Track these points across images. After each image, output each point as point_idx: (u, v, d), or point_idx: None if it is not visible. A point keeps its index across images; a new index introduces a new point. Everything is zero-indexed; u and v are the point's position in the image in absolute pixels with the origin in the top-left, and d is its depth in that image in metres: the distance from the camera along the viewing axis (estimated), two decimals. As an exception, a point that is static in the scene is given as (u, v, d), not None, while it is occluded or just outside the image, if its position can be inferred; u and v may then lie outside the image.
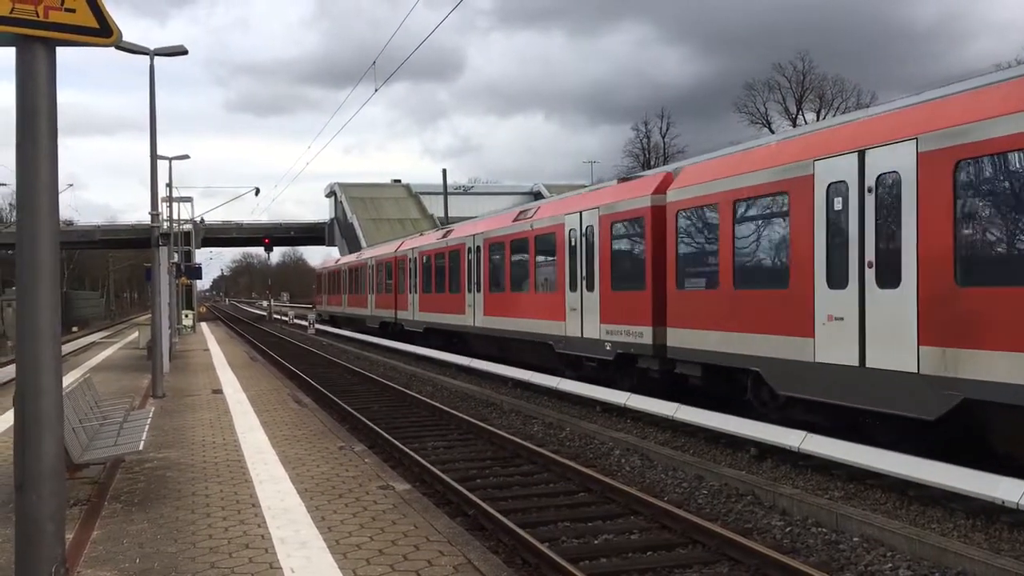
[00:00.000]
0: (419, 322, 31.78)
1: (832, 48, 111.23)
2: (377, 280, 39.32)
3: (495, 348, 24.65)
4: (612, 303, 16.92)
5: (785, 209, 12.16)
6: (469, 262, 25.62)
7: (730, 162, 14.11)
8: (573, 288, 18.63)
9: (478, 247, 25.02)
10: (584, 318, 17.97)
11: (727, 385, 13.94)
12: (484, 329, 24.48)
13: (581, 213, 18.34)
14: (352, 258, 49.74)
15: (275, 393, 18.36)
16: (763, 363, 12.54)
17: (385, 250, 39.11)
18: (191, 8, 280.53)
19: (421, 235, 36.46)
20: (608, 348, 16.88)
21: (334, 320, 53.48)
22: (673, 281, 14.92)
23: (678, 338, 14.74)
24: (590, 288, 17.84)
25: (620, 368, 16.86)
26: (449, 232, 29.38)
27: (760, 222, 12.93)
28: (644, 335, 15.62)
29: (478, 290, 24.87)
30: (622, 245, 16.99)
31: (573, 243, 18.64)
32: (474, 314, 25.19)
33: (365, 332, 41.25)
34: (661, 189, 15.54)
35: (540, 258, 21.08)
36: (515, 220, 22.86)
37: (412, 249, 32.93)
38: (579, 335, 18.20)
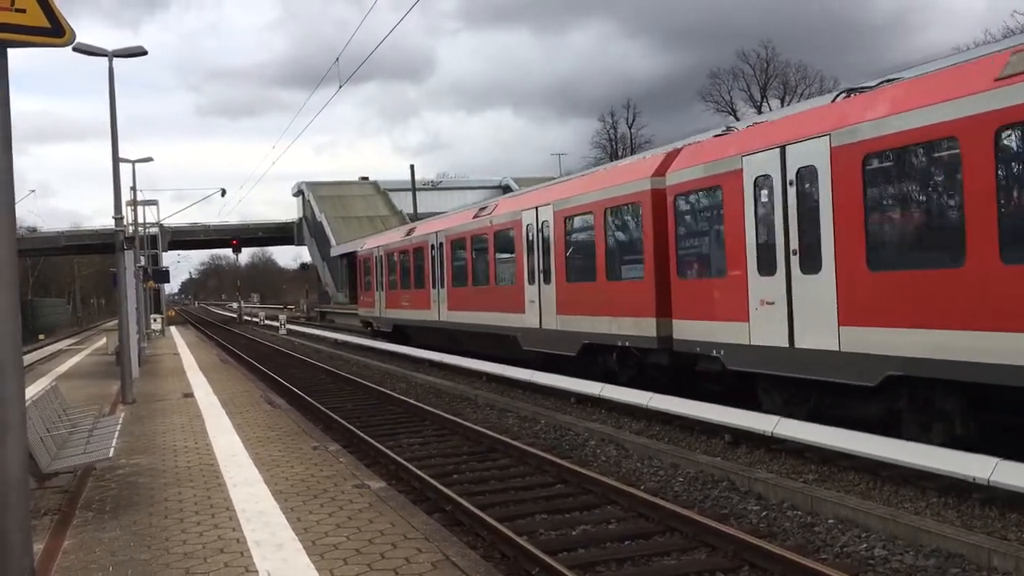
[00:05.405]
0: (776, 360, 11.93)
1: (793, 37, 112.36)
2: (539, 258, 18.81)
3: None
4: None
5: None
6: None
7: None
8: None
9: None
10: None
11: None
12: None
13: None
14: (448, 222, 26.16)
15: (247, 395, 18.20)
16: None
17: (539, 198, 19.45)
18: (163, 15, 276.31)
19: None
20: None
21: (402, 332, 31.17)
22: None
23: None
24: None
25: None
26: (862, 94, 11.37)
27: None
28: None
29: None
30: None
31: None
32: None
33: (486, 356, 22.06)
34: None
35: None
36: None
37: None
38: None
